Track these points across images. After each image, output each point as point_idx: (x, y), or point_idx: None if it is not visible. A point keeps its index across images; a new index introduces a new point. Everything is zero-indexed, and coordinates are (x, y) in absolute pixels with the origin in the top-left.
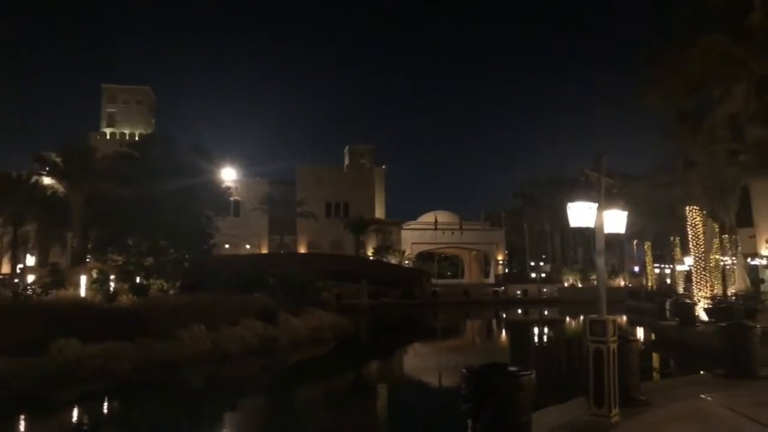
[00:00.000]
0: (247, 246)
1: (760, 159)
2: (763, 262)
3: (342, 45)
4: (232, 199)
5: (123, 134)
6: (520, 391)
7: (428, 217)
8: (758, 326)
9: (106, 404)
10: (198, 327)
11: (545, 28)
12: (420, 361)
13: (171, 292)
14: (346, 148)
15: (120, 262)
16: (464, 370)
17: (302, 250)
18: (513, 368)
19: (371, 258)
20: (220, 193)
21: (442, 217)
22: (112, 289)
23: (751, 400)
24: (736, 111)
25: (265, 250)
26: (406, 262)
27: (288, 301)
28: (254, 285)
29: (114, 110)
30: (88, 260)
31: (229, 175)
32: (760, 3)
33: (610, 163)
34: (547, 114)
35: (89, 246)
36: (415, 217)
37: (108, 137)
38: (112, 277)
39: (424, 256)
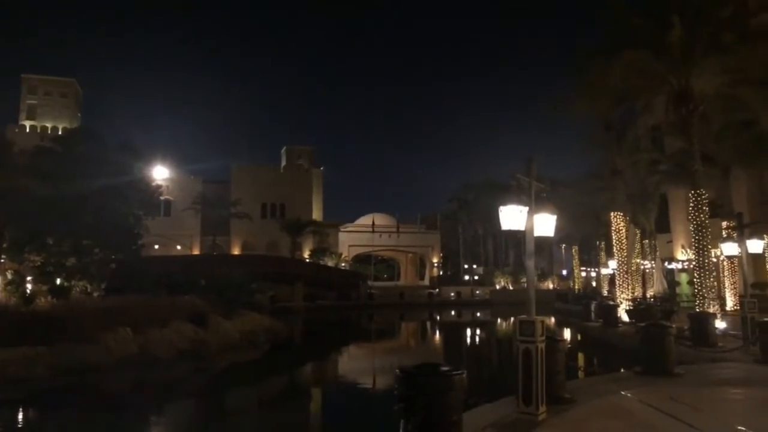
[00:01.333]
0: (179, 247)
1: (677, 169)
2: (679, 266)
3: (282, 44)
4: (163, 198)
5: (45, 128)
6: (452, 391)
7: (366, 220)
8: (673, 326)
9: (18, 413)
10: (124, 330)
11: (483, 34)
12: (355, 363)
13: (95, 294)
14: (284, 148)
15: (38, 263)
16: (397, 371)
17: (236, 251)
18: (445, 368)
19: (307, 260)
20: (150, 192)
21: (380, 219)
22: (28, 290)
23: (666, 395)
24: (657, 122)
25: (197, 251)
26: (343, 264)
27: (220, 303)
28: (185, 287)
29: (35, 102)
30: (2, 261)
31: (160, 173)
32: (679, 21)
33: (543, 168)
34: (486, 119)
35: (4, 246)
36: (352, 220)
37: (28, 130)
38: (29, 278)
39: (360, 259)
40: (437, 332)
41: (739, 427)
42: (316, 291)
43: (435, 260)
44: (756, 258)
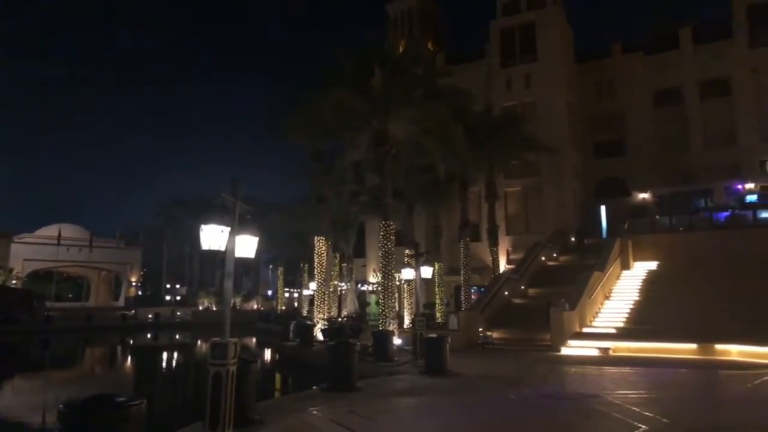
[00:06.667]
0: None
1: (373, 201)
2: (370, 288)
3: None
4: None
5: None
6: (127, 423)
7: (50, 231)
8: (359, 344)
9: None
10: None
11: (211, 48)
12: (17, 400)
13: None
14: None
15: None
16: (61, 406)
17: None
18: (120, 399)
19: None
20: None
21: (69, 231)
22: None
23: (346, 409)
24: (360, 158)
25: None
26: (14, 281)
27: None
28: None
29: None
30: None
31: None
32: (380, 71)
33: (259, 191)
34: (206, 134)
35: None
36: (33, 230)
37: None
38: None
39: (39, 276)
40: (129, 358)
41: None
42: None
43: (134, 279)
44: (428, 282)
